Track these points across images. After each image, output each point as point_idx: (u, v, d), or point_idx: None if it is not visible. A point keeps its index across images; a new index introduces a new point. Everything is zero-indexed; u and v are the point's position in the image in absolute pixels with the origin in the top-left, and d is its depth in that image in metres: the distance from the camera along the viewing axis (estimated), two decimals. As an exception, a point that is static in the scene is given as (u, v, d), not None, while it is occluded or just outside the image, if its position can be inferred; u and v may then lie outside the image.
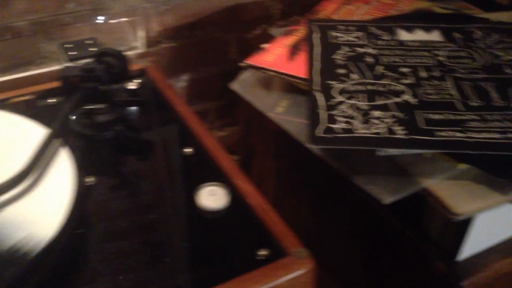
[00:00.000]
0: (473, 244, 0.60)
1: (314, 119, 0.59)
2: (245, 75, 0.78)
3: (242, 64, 0.74)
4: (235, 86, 0.77)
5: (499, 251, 0.62)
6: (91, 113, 0.56)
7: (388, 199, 0.53)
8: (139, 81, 0.64)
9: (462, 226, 0.57)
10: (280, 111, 0.71)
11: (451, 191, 0.55)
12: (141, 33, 0.79)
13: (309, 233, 0.87)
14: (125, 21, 0.79)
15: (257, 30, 1.01)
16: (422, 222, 0.62)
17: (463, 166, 0.57)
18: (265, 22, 1.01)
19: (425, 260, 0.62)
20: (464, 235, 0.58)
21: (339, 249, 0.80)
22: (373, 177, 0.57)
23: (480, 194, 0.55)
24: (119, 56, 0.61)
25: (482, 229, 0.58)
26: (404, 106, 0.61)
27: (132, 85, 0.61)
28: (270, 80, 0.75)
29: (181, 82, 0.97)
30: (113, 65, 0.60)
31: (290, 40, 0.79)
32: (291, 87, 0.73)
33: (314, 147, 0.55)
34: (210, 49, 0.97)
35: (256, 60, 0.74)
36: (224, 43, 0.98)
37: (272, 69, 0.72)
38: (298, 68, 0.71)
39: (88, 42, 0.69)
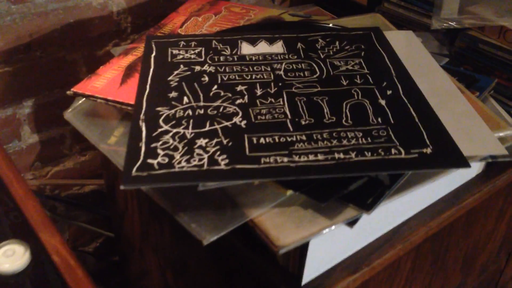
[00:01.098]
0: (315, 267, 0.58)
1: (132, 155, 0.54)
2: (80, 102, 0.71)
3: (68, 92, 0.67)
4: (68, 115, 0.70)
5: (344, 268, 0.60)
6: None
7: (208, 238, 0.49)
8: None
9: (302, 251, 0.55)
10: (114, 141, 0.65)
11: (278, 221, 0.52)
12: None
13: (174, 258, 0.83)
14: None
15: (109, 46, 0.94)
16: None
17: (291, 192, 0.54)
18: (116, 37, 0.94)
19: (273, 286, 0.60)
20: (304, 259, 0.56)
21: (200, 273, 0.76)
22: (196, 213, 0.53)
23: (307, 221, 0.52)
24: None
25: (321, 251, 0.56)
26: (233, 131, 0.57)
27: None
28: (105, 107, 0.69)
29: (25, 108, 0.89)
30: None
31: (127, 60, 0.73)
32: (127, 114, 0.68)
33: (126, 188, 0.50)
34: (54, 71, 0.89)
35: (83, 86, 0.67)
36: (70, 63, 0.90)
37: (100, 96, 0.66)
38: (130, 93, 0.66)
39: None
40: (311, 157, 0.53)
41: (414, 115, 0.60)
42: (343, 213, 0.53)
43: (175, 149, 0.54)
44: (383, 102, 0.62)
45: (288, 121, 0.59)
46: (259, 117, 0.60)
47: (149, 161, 0.53)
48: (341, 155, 0.54)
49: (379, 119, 0.59)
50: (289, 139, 0.56)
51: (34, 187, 0.97)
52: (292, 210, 0.53)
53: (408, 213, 0.66)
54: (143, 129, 0.57)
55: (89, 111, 0.70)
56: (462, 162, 0.53)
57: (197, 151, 0.54)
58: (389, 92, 0.64)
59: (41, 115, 0.91)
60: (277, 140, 0.56)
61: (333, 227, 0.52)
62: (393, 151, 0.54)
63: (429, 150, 0.54)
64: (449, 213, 0.69)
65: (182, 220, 0.52)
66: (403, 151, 0.54)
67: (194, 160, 0.53)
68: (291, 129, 0.58)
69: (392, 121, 0.59)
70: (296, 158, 0.53)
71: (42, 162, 0.95)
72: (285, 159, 0.53)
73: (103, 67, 0.71)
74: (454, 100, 0.64)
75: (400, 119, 0.59)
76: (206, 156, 0.53)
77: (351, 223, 0.54)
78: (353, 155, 0.54)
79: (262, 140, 0.56)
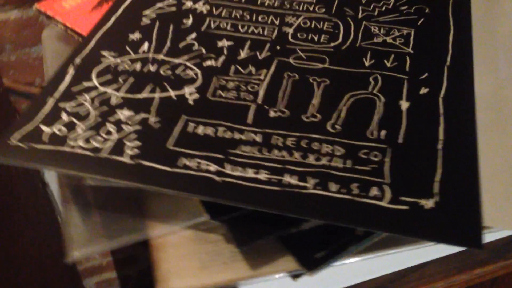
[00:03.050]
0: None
1: (30, 112, 0.41)
2: (59, 22, 0.59)
3: (34, 8, 0.56)
4: (44, 34, 0.59)
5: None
6: None
7: (73, 256, 0.37)
8: None
9: None
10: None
11: (180, 252, 0.38)
12: None
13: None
14: None
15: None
16: None
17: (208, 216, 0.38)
18: None
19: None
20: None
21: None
22: (87, 211, 0.40)
23: (220, 262, 0.37)
24: None
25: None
26: (172, 106, 0.42)
27: None
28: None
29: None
30: None
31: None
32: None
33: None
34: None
35: (50, 3, 0.55)
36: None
37: (60, 20, 0.53)
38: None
39: None
40: (250, 173, 0.37)
41: (441, 137, 0.39)
42: (278, 260, 0.37)
43: (85, 117, 0.41)
44: (405, 105, 0.42)
45: (253, 106, 0.42)
46: (219, 92, 0.43)
47: (43, 127, 0.40)
48: (293, 180, 0.36)
49: (382, 133, 0.40)
50: (236, 137, 0.39)
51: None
52: (209, 239, 0.38)
53: (420, 257, 0.47)
54: (67, 78, 0.44)
55: (60, 36, 0.58)
56: (471, 240, 0.33)
57: (108, 127, 0.40)
58: (423, 91, 0.43)
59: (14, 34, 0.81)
60: (219, 133, 0.40)
61: (253, 280, 0.36)
62: (373, 191, 0.35)
63: (430, 204, 0.35)
64: (492, 268, 0.49)
65: (65, 215, 0.39)
66: (388, 195, 0.35)
67: (96, 141, 0.39)
68: (249, 121, 0.41)
69: (401, 140, 0.39)
70: (228, 169, 0.37)
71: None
72: (212, 168, 0.37)
73: (86, -18, 0.58)
74: (520, 124, 0.41)
75: (415, 139, 0.39)
76: (115, 137, 0.39)
77: (295, 275, 0.38)
78: (310, 183, 0.36)
79: (200, 129, 0.40)
